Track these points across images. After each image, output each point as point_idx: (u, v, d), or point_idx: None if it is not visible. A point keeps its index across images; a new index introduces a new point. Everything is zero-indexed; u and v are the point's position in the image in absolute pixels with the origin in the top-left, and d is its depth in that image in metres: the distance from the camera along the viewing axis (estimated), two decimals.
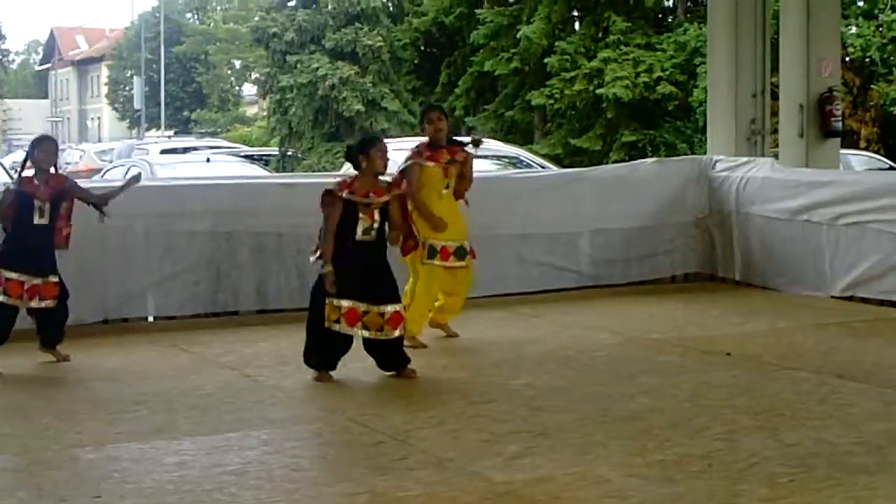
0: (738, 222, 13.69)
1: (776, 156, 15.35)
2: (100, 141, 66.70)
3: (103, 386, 9.06)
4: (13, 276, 9.61)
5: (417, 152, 10.36)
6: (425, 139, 10.51)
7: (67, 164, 32.33)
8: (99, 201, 10.03)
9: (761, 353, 9.80)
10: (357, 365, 9.08)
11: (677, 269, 14.00)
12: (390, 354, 9.06)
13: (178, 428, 7.63)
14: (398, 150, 11.38)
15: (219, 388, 8.81)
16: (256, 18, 49.23)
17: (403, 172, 10.09)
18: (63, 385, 9.23)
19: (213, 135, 57.10)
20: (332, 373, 8.98)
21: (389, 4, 43.87)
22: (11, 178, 11.61)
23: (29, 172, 9.79)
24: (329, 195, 8.99)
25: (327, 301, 8.86)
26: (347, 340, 9.01)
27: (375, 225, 9.00)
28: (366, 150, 9.07)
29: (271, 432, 7.46)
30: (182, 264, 11.83)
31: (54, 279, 9.75)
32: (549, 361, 9.60)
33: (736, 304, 12.42)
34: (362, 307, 8.88)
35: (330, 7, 42.15)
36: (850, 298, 12.37)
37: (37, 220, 9.68)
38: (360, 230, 8.94)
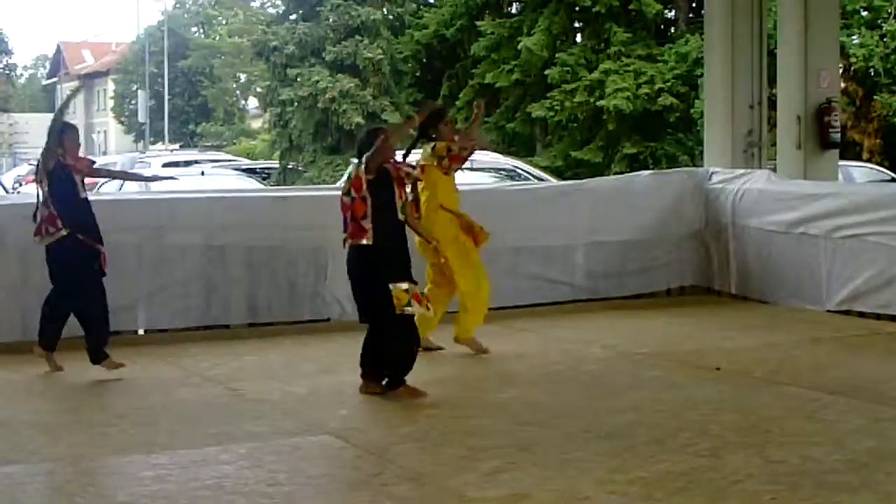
0: (734, 235, 13.57)
1: (774, 167, 15.24)
2: (105, 154, 66.67)
3: (87, 399, 9.02)
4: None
5: None
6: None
7: None
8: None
9: (753, 368, 9.67)
10: (344, 378, 9.00)
11: (673, 283, 13.89)
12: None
13: (158, 442, 7.56)
14: None
15: (203, 402, 8.75)
16: (258, 32, 49.18)
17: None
18: (48, 398, 9.17)
19: (219, 148, 56.95)
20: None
21: (390, 17, 43.79)
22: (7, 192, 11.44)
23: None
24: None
25: (392, 287, 8.54)
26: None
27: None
28: (380, 134, 8.74)
29: (251, 446, 7.37)
30: (173, 277, 11.75)
31: None
32: (536, 376, 9.52)
33: (731, 318, 12.31)
34: (416, 289, 8.77)
35: (330, 20, 42.09)
36: (847, 312, 12.22)
37: (81, 195, 9.62)
38: (398, 207, 8.77)
